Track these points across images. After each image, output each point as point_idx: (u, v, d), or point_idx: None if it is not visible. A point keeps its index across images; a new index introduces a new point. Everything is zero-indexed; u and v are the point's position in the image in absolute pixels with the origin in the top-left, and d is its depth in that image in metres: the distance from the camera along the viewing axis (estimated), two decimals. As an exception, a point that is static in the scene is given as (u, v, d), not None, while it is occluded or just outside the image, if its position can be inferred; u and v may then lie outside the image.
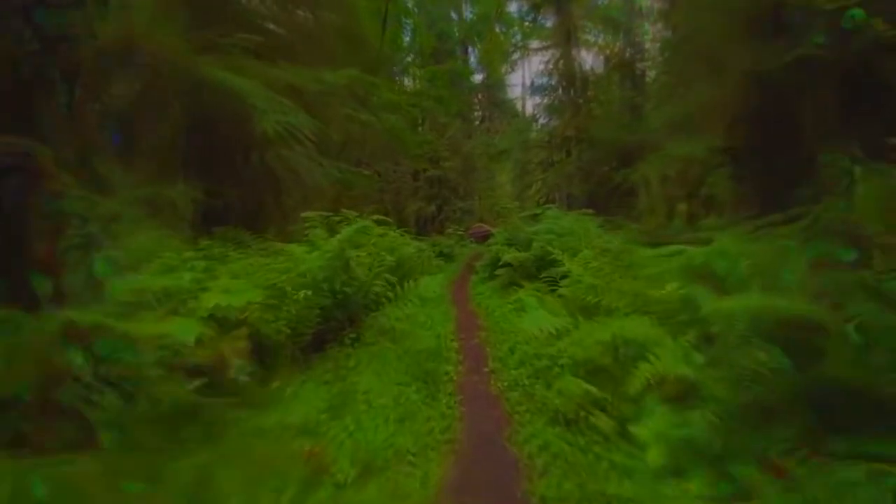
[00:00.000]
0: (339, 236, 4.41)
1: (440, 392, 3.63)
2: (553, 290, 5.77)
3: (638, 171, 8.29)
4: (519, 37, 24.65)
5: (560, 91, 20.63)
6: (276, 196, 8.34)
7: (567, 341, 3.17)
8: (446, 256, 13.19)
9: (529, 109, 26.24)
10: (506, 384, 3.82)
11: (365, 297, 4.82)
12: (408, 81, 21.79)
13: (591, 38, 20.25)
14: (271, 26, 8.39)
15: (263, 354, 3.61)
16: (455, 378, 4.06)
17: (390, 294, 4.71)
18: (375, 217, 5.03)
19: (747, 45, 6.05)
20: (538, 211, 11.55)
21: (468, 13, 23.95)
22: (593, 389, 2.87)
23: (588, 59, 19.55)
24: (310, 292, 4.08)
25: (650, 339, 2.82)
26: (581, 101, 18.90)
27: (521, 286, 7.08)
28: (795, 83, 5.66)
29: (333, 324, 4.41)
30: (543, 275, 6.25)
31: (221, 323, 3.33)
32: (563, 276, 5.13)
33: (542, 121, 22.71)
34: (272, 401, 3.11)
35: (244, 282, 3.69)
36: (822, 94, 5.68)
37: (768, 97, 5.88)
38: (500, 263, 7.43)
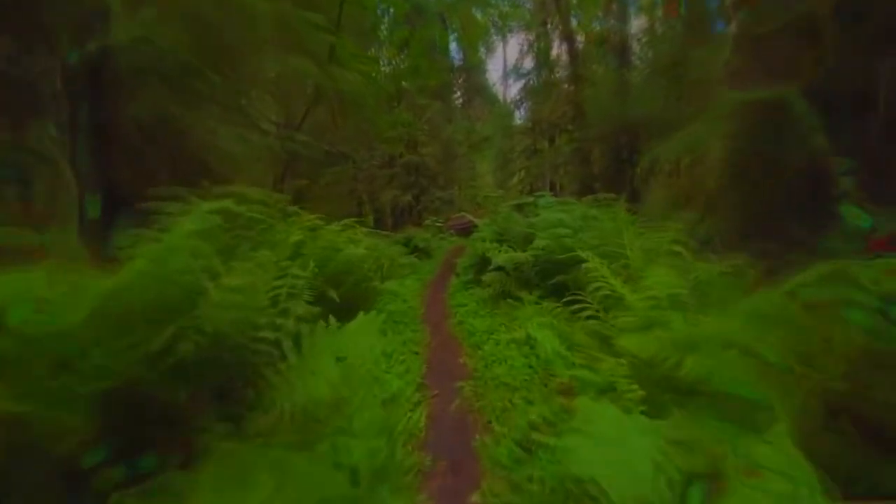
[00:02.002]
0: (174, 234, 2.01)
1: None
2: (574, 313, 3.51)
3: (667, 147, 5.90)
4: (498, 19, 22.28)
5: (542, 73, 18.46)
6: (189, 173, 5.84)
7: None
8: (422, 252, 10.79)
9: (511, 96, 24.04)
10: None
11: (252, 344, 2.44)
12: (384, 63, 19.08)
13: (574, 20, 18.05)
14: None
15: None
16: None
17: (288, 345, 2.33)
18: (262, 195, 2.59)
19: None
20: (528, 199, 9.29)
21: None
22: None
23: (576, 39, 17.29)
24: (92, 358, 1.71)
25: None
26: (567, 83, 16.73)
27: (518, 299, 4.81)
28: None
29: (168, 413, 2.04)
30: (559, 289, 3.99)
31: None
32: (606, 297, 2.88)
33: (524, 105, 20.50)
34: None
35: None
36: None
37: None
38: (491, 267, 5.13)
